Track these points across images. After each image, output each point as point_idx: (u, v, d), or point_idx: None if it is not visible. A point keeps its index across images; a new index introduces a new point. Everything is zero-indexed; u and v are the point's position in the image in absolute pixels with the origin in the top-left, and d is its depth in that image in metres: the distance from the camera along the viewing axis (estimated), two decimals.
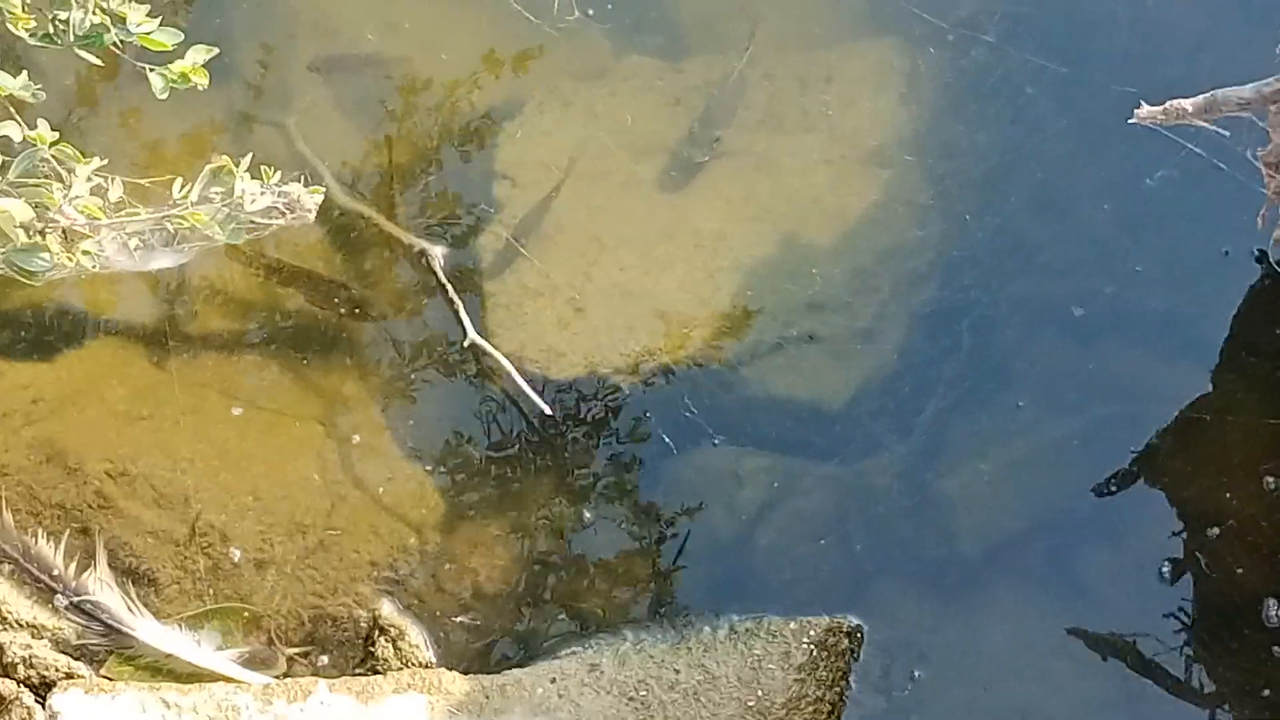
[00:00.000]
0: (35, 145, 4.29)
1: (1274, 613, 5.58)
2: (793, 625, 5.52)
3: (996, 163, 6.08)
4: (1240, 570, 5.61)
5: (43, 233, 4.21)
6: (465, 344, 5.74)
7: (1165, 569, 5.66)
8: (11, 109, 4.37)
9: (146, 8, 4.28)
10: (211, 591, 5.55)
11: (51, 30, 4.26)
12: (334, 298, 5.88)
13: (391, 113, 6.11)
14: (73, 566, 5.44)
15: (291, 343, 5.86)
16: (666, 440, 5.81)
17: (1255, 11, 5.48)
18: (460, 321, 5.77)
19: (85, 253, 4.36)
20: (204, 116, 5.68)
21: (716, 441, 5.86)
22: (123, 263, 4.64)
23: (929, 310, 5.97)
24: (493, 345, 5.76)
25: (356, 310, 5.89)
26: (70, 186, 4.34)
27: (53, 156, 4.34)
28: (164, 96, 4.32)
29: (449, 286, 5.80)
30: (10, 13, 4.22)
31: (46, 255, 4.22)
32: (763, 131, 6.13)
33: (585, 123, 6.11)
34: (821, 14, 6.27)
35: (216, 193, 4.55)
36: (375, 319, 5.89)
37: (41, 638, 5.39)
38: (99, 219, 4.31)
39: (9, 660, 5.32)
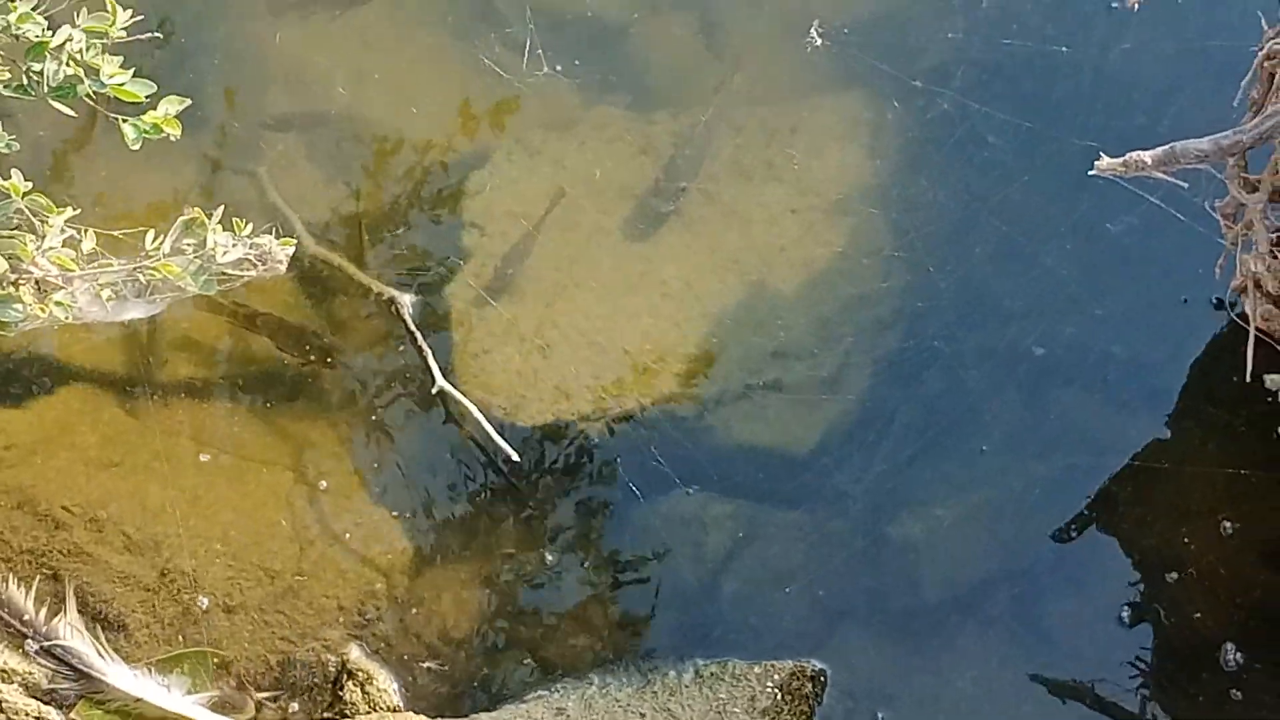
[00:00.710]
0: (9, 196, 4.31)
1: (1232, 657, 5.62)
2: (757, 669, 5.56)
3: (960, 214, 6.09)
4: (1198, 615, 5.65)
5: (16, 284, 4.23)
6: (434, 390, 5.75)
7: (1125, 614, 5.70)
8: None
9: (119, 59, 4.31)
10: (181, 637, 5.56)
11: (25, 81, 4.28)
12: (304, 345, 5.87)
13: (362, 163, 6.10)
14: (43, 612, 5.42)
15: (261, 390, 5.88)
16: (633, 487, 5.81)
17: (1214, 66, 5.47)
18: (429, 368, 5.78)
19: (58, 303, 4.39)
20: (177, 166, 5.67)
21: (683, 488, 5.84)
22: (95, 313, 4.65)
23: (893, 359, 5.99)
24: (461, 392, 5.77)
25: (326, 358, 5.89)
26: (43, 237, 4.36)
27: (26, 207, 4.36)
28: (136, 147, 4.32)
29: (418, 334, 5.81)
30: None
31: (19, 306, 4.25)
32: (729, 182, 6.14)
33: (553, 173, 6.11)
34: (788, 66, 6.25)
35: (189, 244, 4.59)
36: (345, 366, 5.89)
37: (11, 682, 5.39)
38: (72, 270, 4.32)
39: None
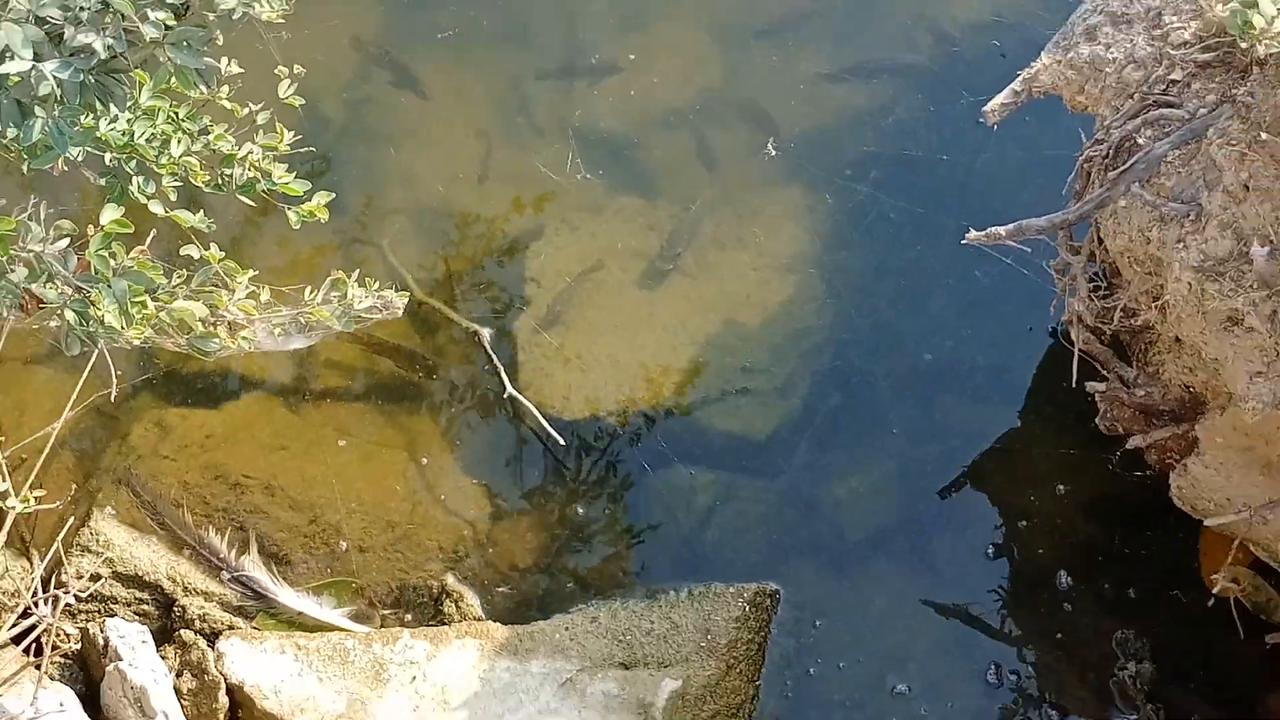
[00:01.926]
0: (209, 262, 4.39)
1: (1064, 580, 5.68)
2: (732, 590, 5.64)
3: (873, 273, 6.12)
4: (1041, 551, 5.77)
5: (214, 324, 4.31)
6: (505, 395, 5.78)
7: (990, 551, 5.80)
8: (193, 236, 4.45)
9: (285, 166, 4.38)
10: (329, 569, 5.66)
11: (220, 181, 4.34)
12: (414, 364, 5.90)
13: (453, 237, 6.09)
14: (233, 552, 5.55)
15: (383, 395, 5.90)
16: (644, 464, 5.88)
17: (1050, 167, 5.48)
18: (501, 379, 5.81)
19: (244, 338, 4.47)
20: (325, 240, 5.70)
21: (679, 464, 5.89)
22: (269, 344, 4.69)
23: (825, 374, 6.03)
24: (524, 396, 5.81)
25: (429, 373, 5.91)
26: (233, 291, 4.44)
27: (220, 270, 4.43)
28: (297, 227, 4.39)
29: (493, 355, 5.85)
30: (192, 170, 4.30)
31: (217, 340, 4.33)
32: (711, 249, 6.14)
33: (588, 243, 6.11)
34: (752, 169, 6.25)
35: (334, 296, 4.66)
36: (442, 379, 5.92)
37: (211, 601, 5.49)
38: (253, 315, 4.38)
39: (190, 617, 5.44)
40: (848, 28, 6.50)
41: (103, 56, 3.34)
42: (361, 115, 6.24)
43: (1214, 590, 5.32)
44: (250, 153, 4.34)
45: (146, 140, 4.06)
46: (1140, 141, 4.60)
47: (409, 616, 5.62)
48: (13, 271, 3.77)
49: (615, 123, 6.25)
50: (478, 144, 6.25)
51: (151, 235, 4.49)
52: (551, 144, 6.23)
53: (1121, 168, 4.58)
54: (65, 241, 3.87)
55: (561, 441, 5.79)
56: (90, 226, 3.92)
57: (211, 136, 4.25)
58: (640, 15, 6.46)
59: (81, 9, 3.29)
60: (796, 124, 6.32)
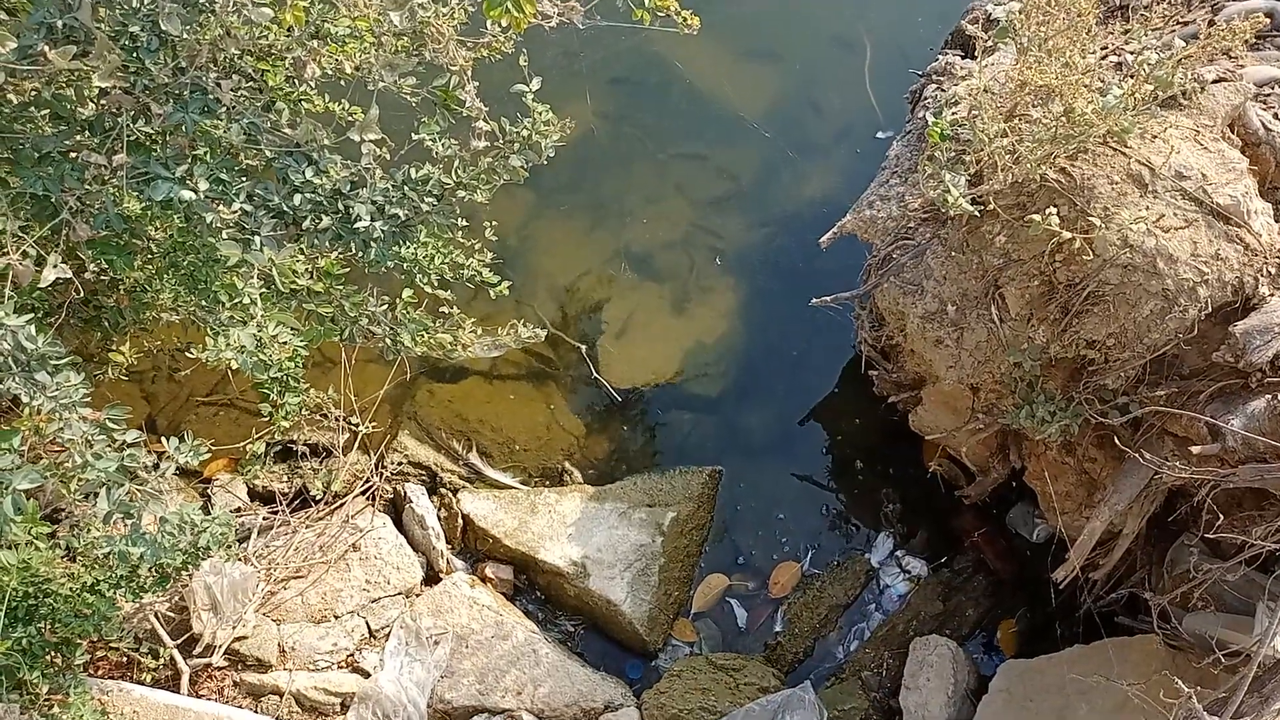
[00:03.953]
0: (452, 315, 4.45)
1: (858, 464, 5.66)
2: (700, 469, 5.64)
3: (766, 318, 6.01)
4: (847, 450, 5.74)
5: (455, 344, 4.38)
6: (591, 376, 5.77)
7: (823, 449, 5.79)
8: (446, 301, 4.48)
9: (488, 268, 4.42)
10: (509, 459, 5.63)
11: (457, 276, 4.35)
12: (548, 361, 5.83)
13: (563, 301, 5.99)
14: (464, 450, 5.58)
15: (533, 376, 5.81)
16: (659, 409, 5.84)
17: (854, 266, 5.25)
18: (590, 368, 5.78)
19: (469, 351, 4.53)
20: (507, 305, 5.49)
21: (680, 411, 5.84)
22: (481, 353, 4.70)
23: (743, 365, 5.93)
24: (600, 376, 5.78)
25: (555, 365, 5.85)
26: (464, 328, 4.50)
27: (458, 318, 4.50)
28: (494, 298, 4.36)
29: (586, 358, 5.80)
30: (443, 271, 4.32)
31: (457, 351, 4.40)
32: (691, 309, 6.05)
33: (631, 304, 6.03)
34: (709, 275, 6.14)
35: (510, 331, 4.73)
36: (561, 368, 5.84)
37: (453, 475, 5.52)
38: (472, 341, 4.43)
39: (444, 481, 5.47)
40: (759, 199, 6.38)
41: (402, 219, 3.42)
42: (525, 242, 6.11)
43: (930, 469, 5.35)
44: (470, 263, 4.42)
45: (423, 258, 4.16)
46: (895, 255, 4.56)
47: (547, 482, 5.62)
48: (361, 319, 3.86)
49: (642, 248, 6.14)
50: (579, 259, 6.12)
51: (424, 302, 4.44)
52: (611, 258, 6.12)
53: (885, 268, 4.52)
54: (385, 305, 3.97)
55: (619, 399, 5.77)
56: (397, 299, 4.03)
57: (453, 254, 4.31)
58: (654, 195, 6.32)
59: (390, 200, 3.35)
60: (728, 250, 6.18)
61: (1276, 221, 4.11)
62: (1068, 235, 3.66)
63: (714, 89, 6.59)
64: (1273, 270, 3.79)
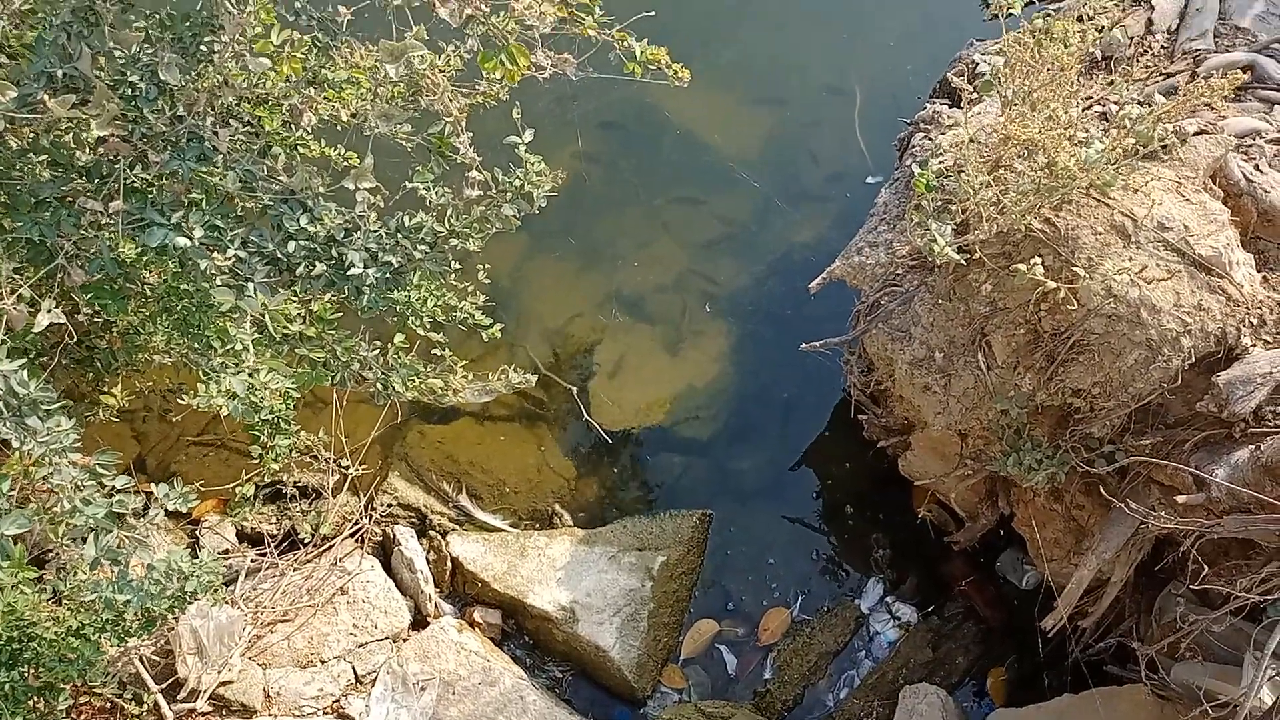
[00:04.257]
0: (445, 358, 4.46)
1: (848, 509, 5.66)
2: (690, 512, 5.62)
3: (758, 362, 6.02)
4: (838, 495, 5.73)
5: (446, 389, 4.38)
6: (583, 419, 5.75)
7: (814, 494, 5.77)
8: (437, 344, 4.50)
9: (480, 310, 4.44)
10: (499, 501, 5.60)
11: (450, 319, 4.39)
12: (539, 403, 5.81)
13: (556, 343, 5.97)
14: (454, 493, 5.55)
15: (524, 417, 5.79)
16: (648, 451, 5.84)
17: (843, 312, 5.24)
18: (581, 410, 5.75)
19: (459, 395, 4.53)
20: (499, 347, 5.49)
21: (668, 453, 5.84)
22: (472, 397, 4.65)
23: (734, 408, 5.92)
24: (591, 418, 5.74)
25: (546, 407, 5.83)
26: (455, 372, 4.51)
27: (450, 360, 4.51)
28: (487, 339, 4.40)
29: (579, 401, 5.76)
30: (436, 314, 4.33)
31: (448, 396, 4.40)
32: (683, 352, 6.07)
33: (623, 346, 6.03)
34: (700, 318, 6.15)
35: (501, 376, 4.73)
36: (552, 410, 5.82)
37: (443, 517, 5.50)
38: (462, 386, 4.41)
39: (433, 524, 5.44)
40: (750, 243, 6.40)
41: (395, 266, 3.45)
42: (517, 284, 6.11)
43: (920, 515, 5.34)
44: (463, 306, 4.44)
45: (416, 301, 4.18)
46: (883, 302, 4.60)
47: (537, 525, 5.59)
48: (353, 364, 3.87)
49: (634, 291, 6.16)
50: (571, 302, 6.13)
51: (416, 344, 4.46)
52: (603, 301, 6.13)
53: (874, 314, 4.55)
54: (376, 350, 3.99)
55: (610, 441, 5.75)
56: (389, 343, 4.05)
57: (445, 297, 4.33)
58: (646, 239, 6.35)
59: (383, 247, 3.38)
60: (718, 294, 6.20)
61: (1259, 271, 4.18)
62: (1052, 285, 3.71)
63: (706, 135, 6.66)
64: (1255, 321, 3.84)
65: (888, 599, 5.37)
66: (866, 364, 5.13)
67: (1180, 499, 3.77)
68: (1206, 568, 3.70)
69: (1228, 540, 3.93)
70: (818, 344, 5.01)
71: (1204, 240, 3.82)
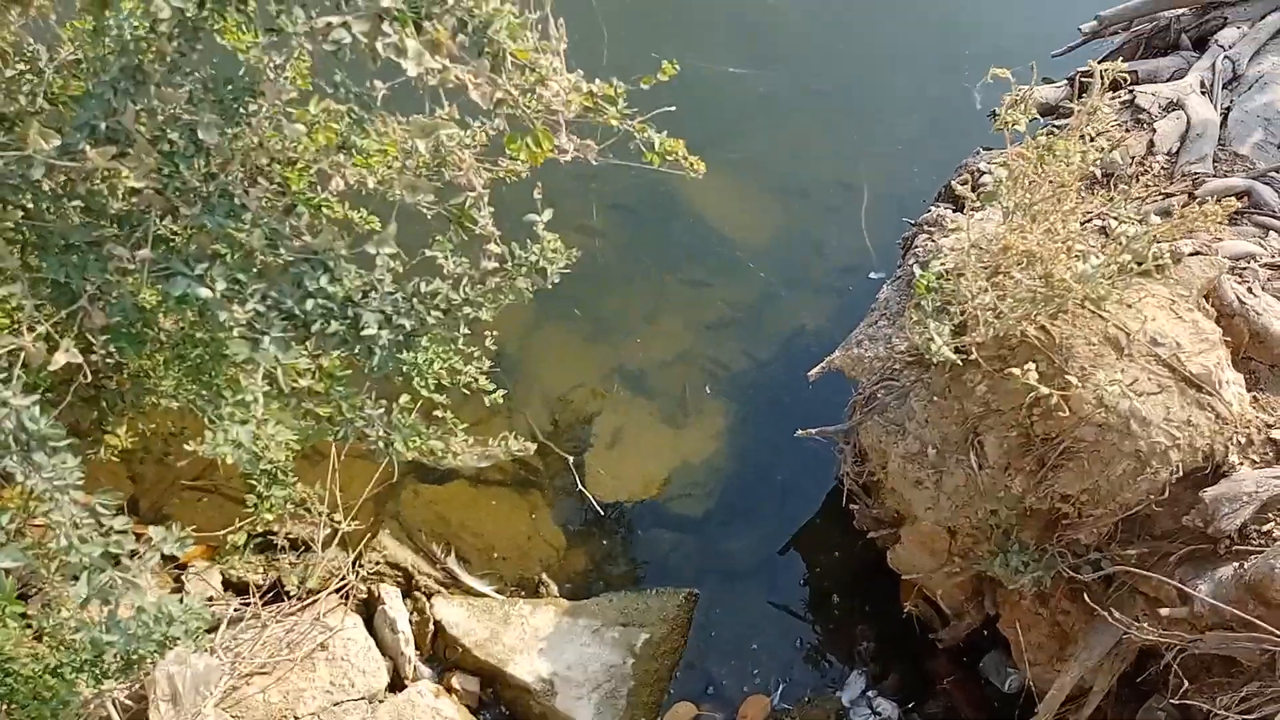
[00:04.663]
0: (446, 421, 4.49)
1: (835, 599, 5.66)
2: (676, 590, 5.63)
3: (755, 444, 6.09)
4: (825, 584, 5.72)
5: (446, 451, 4.40)
6: (577, 488, 5.79)
7: (800, 581, 5.77)
8: (439, 406, 4.53)
9: (484, 375, 4.50)
10: (487, 566, 5.59)
11: (454, 381, 4.46)
12: (535, 470, 5.84)
13: (558, 413, 6.04)
14: (442, 554, 5.54)
15: (519, 483, 5.82)
16: (641, 526, 5.85)
17: (838, 403, 5.36)
18: (576, 479, 5.81)
19: (458, 458, 4.56)
20: (495, 414, 5.44)
21: (660, 529, 5.84)
22: (471, 461, 4.64)
23: (728, 488, 5.96)
24: (585, 488, 5.79)
25: (541, 475, 5.86)
26: (455, 434, 4.54)
27: (451, 422, 4.55)
28: (489, 404, 4.48)
29: (574, 470, 5.83)
30: (442, 376, 4.39)
31: (447, 458, 4.42)
32: (683, 428, 6.14)
33: (623, 418, 6.11)
34: (703, 398, 6.25)
35: (501, 442, 4.76)
36: (547, 478, 5.85)
37: (430, 578, 5.49)
38: (461, 450, 4.44)
39: (419, 585, 5.43)
40: (753, 327, 6.53)
41: (408, 329, 3.52)
42: (523, 350, 6.21)
43: (906, 609, 5.33)
44: (468, 370, 4.50)
45: (423, 362, 4.25)
46: (879, 394, 4.68)
47: (522, 592, 5.57)
48: (357, 421, 3.91)
49: (637, 365, 6.25)
50: (575, 371, 6.21)
51: (419, 405, 4.39)
52: (607, 373, 6.23)
53: (870, 406, 4.63)
54: (382, 409, 4.03)
55: (602, 513, 5.78)
56: (393, 403, 4.09)
57: (452, 359, 4.40)
58: (653, 315, 6.49)
59: (398, 310, 3.46)
60: (720, 375, 6.31)
61: (1249, 391, 4.27)
62: (1045, 391, 3.80)
63: (717, 220, 6.86)
64: (1242, 440, 3.92)
65: (869, 693, 5.33)
66: (860, 454, 5.17)
67: (1164, 612, 3.80)
68: (1188, 683, 3.71)
69: (1210, 656, 3.95)
70: (813, 431, 5.10)
71: (1195, 358, 3.91)
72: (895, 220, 6.41)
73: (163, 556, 4.72)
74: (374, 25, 3.28)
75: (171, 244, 3.31)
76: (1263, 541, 3.70)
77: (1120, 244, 3.82)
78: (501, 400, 4.45)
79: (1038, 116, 5.59)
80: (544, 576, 5.60)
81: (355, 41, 3.20)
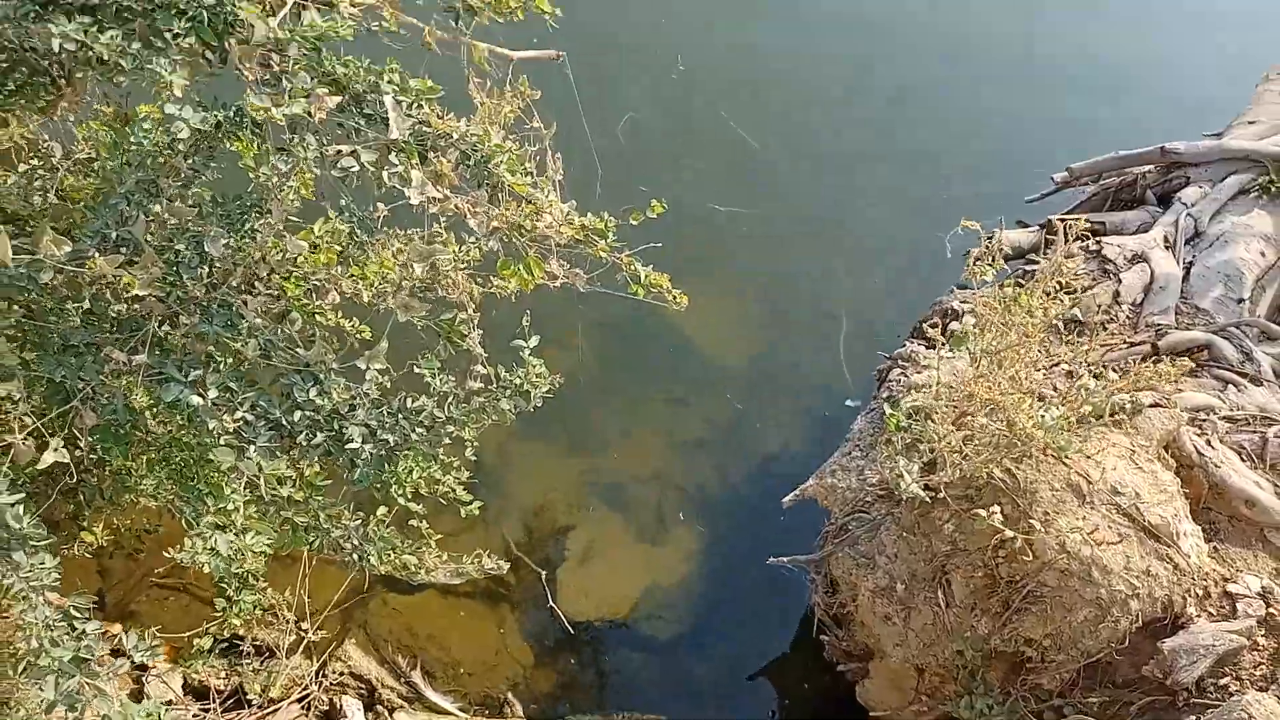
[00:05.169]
0: (423, 534, 4.53)
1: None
2: (638, 715, 5.52)
3: (716, 572, 6.07)
4: (796, 714, 5.63)
5: (416, 570, 4.41)
6: (547, 605, 5.73)
7: (769, 713, 5.68)
8: (415, 514, 4.56)
9: (462, 486, 4.56)
10: (452, 682, 5.49)
11: (431, 491, 4.52)
12: (506, 585, 5.79)
13: (535, 526, 6.06)
14: (406, 667, 5.49)
15: (488, 598, 5.75)
16: (610, 648, 5.78)
17: (808, 532, 5.41)
18: (549, 597, 5.76)
19: (430, 574, 4.55)
20: (478, 523, 5.42)
21: (623, 648, 5.77)
22: (443, 577, 4.61)
23: (699, 611, 5.91)
24: (559, 608, 5.74)
25: (513, 590, 5.82)
26: (430, 552, 4.57)
27: (426, 534, 4.58)
28: (464, 517, 4.50)
29: (546, 586, 5.78)
30: (420, 486, 4.44)
31: (420, 572, 4.43)
32: (654, 548, 6.15)
33: (594, 535, 6.10)
34: (674, 519, 6.26)
35: (474, 560, 4.79)
36: (519, 594, 5.80)
37: (393, 691, 5.39)
38: (436, 565, 4.46)
39: (382, 698, 5.31)
40: (729, 448, 6.61)
41: (391, 444, 3.61)
42: (501, 460, 6.24)
43: None
44: (446, 480, 4.56)
45: (402, 471, 4.31)
46: (851, 526, 4.78)
47: (487, 711, 5.47)
48: (334, 532, 3.95)
49: (611, 481, 6.30)
50: (552, 483, 6.25)
51: (394, 512, 4.47)
52: (582, 488, 6.27)
53: (841, 538, 4.74)
54: (358, 521, 4.08)
55: (571, 631, 5.71)
56: (370, 515, 4.14)
57: (431, 469, 4.46)
58: (631, 431, 6.57)
59: (383, 425, 3.56)
60: (695, 495, 6.36)
61: (1209, 542, 4.40)
62: (1010, 534, 3.91)
63: (699, 342, 7.02)
64: (1200, 593, 4.02)
65: None
66: (831, 585, 5.22)
67: None
68: None
69: None
70: (785, 560, 5.17)
71: (1154, 508, 4.06)
72: (872, 349, 6.61)
73: (119, 651, 4.69)
74: (382, 155, 3.51)
75: (166, 347, 3.41)
76: (1219, 696, 3.76)
77: (1081, 395, 3.99)
78: (477, 513, 4.49)
79: (1004, 266, 5.87)
80: (510, 696, 5.51)
81: (363, 170, 3.42)
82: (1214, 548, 4.40)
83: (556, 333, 6.56)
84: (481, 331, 3.71)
